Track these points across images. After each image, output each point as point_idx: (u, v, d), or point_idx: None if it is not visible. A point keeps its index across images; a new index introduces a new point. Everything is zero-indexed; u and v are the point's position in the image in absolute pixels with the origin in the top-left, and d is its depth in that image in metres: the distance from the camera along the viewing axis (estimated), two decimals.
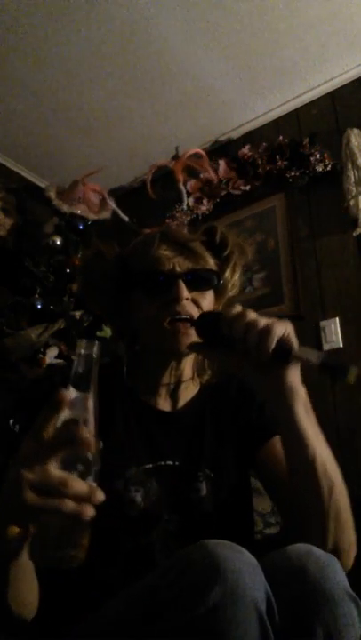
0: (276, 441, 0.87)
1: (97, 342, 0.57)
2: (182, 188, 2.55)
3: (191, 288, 0.83)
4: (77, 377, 0.55)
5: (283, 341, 0.68)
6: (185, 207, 2.56)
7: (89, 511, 0.49)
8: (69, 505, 0.48)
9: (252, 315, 0.70)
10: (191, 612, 0.54)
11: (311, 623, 0.58)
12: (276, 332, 0.67)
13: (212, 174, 2.49)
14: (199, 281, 0.85)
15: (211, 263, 0.88)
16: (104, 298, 0.92)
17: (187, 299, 0.82)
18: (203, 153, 2.40)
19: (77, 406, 0.54)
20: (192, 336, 0.81)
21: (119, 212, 2.66)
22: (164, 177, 2.63)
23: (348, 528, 0.73)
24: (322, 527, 0.71)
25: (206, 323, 0.76)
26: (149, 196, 2.50)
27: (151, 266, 0.84)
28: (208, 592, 0.54)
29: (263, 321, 0.68)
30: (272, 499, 0.90)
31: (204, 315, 0.80)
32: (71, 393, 0.54)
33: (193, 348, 0.81)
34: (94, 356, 0.56)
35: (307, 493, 0.72)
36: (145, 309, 0.85)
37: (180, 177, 2.51)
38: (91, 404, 0.55)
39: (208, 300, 0.87)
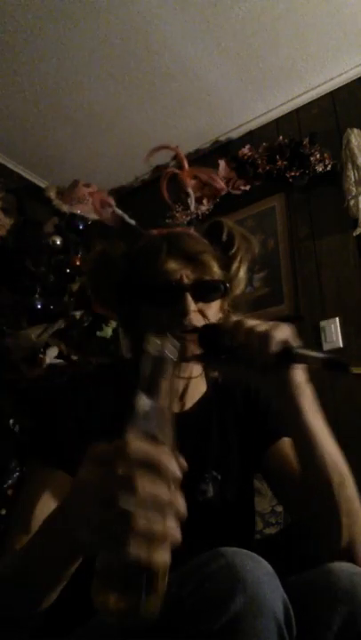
0: (284, 442, 0.88)
1: (170, 337, 0.47)
2: (190, 192, 2.54)
3: (198, 299, 0.83)
4: (148, 381, 0.45)
5: (284, 343, 0.69)
6: (192, 211, 2.54)
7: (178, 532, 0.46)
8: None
9: (250, 322, 0.71)
10: (212, 623, 0.53)
11: None
12: (276, 336, 0.69)
13: (221, 184, 2.47)
14: (206, 292, 0.85)
15: (217, 272, 0.87)
16: (111, 301, 0.92)
17: (193, 311, 0.82)
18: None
19: (152, 418, 0.45)
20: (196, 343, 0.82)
21: (126, 216, 2.65)
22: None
23: (359, 519, 0.73)
24: (336, 522, 0.71)
25: (208, 336, 0.78)
26: (150, 197, 2.50)
27: (158, 277, 0.83)
28: (229, 602, 0.54)
29: (262, 326, 0.70)
30: (281, 500, 0.90)
31: (205, 327, 0.80)
32: (143, 402, 0.45)
33: (196, 358, 0.81)
34: (168, 354, 0.46)
35: (320, 489, 0.72)
36: (152, 321, 0.84)
37: (188, 183, 2.50)
38: (167, 413, 0.45)
39: (214, 309, 0.86)
